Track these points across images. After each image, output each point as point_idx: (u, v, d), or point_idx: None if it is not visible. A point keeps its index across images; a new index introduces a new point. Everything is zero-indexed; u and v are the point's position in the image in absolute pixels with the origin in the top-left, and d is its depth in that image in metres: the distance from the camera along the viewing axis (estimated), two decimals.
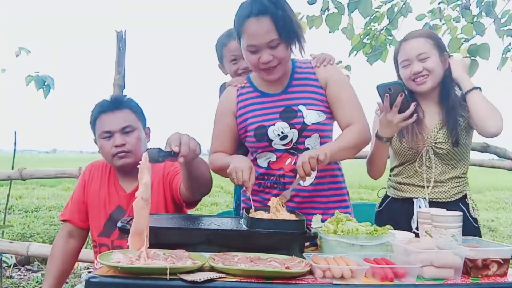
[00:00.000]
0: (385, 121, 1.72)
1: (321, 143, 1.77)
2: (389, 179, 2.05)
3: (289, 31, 1.66)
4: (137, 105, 1.96)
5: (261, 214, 1.51)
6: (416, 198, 1.91)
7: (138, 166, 1.35)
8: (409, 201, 1.93)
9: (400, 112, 1.67)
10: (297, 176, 1.60)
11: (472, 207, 1.92)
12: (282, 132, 1.74)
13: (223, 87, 2.16)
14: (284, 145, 1.75)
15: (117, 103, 1.92)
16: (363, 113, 1.79)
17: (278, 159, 1.77)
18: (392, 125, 1.71)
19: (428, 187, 1.90)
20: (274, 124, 1.75)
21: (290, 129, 1.74)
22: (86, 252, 2.89)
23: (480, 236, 1.91)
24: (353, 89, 1.81)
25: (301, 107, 1.75)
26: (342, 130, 1.77)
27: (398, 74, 1.97)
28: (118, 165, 1.89)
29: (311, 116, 1.74)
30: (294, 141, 1.74)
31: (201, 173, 1.66)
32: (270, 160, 1.79)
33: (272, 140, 1.75)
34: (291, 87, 1.80)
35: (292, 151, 1.76)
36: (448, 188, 1.90)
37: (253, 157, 1.84)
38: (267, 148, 1.77)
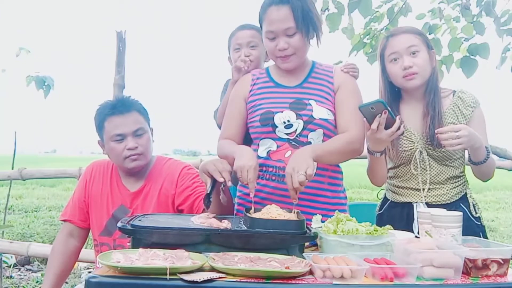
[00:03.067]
0: (373, 138, 1.70)
1: (323, 141, 1.78)
2: (387, 181, 2.03)
3: (306, 21, 1.75)
4: (142, 106, 1.97)
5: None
6: (416, 202, 1.89)
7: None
8: (408, 206, 1.91)
9: (386, 127, 1.65)
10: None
11: (474, 206, 1.91)
12: (288, 121, 1.77)
13: (228, 82, 2.20)
14: (287, 134, 1.77)
15: (126, 106, 1.91)
16: (361, 125, 1.79)
17: (279, 148, 1.78)
18: (381, 141, 1.69)
19: (424, 189, 1.89)
20: (282, 112, 1.78)
21: (297, 119, 1.77)
22: (86, 252, 2.89)
23: (486, 235, 1.90)
24: (361, 102, 1.82)
25: (311, 102, 1.79)
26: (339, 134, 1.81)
27: (383, 72, 1.92)
28: (130, 167, 1.90)
29: (320, 111, 1.78)
30: (298, 132, 1.77)
31: (230, 199, 1.77)
32: (270, 150, 1.79)
33: (276, 127, 1.77)
34: (306, 83, 1.85)
35: (293, 142, 1.77)
36: (447, 190, 1.88)
37: (256, 145, 1.84)
38: (269, 134, 1.79)
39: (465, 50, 3.69)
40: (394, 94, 1.94)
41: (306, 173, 1.55)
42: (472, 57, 3.62)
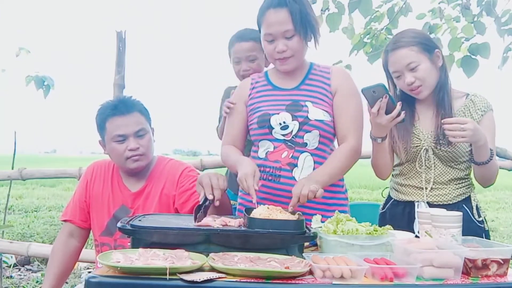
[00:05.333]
0: (374, 123, 1.73)
1: (320, 142, 1.79)
2: (391, 179, 2.04)
3: (304, 23, 1.76)
4: (144, 106, 1.97)
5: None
6: (418, 201, 1.89)
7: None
8: (410, 205, 1.91)
9: (387, 112, 1.67)
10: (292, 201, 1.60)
11: (477, 209, 1.89)
12: (284, 122, 1.78)
13: (228, 90, 2.22)
14: (283, 135, 1.78)
15: (127, 106, 1.92)
16: (361, 130, 1.82)
17: (276, 149, 1.79)
18: (381, 126, 1.72)
19: (426, 188, 1.89)
20: (278, 114, 1.79)
21: (292, 120, 1.77)
22: (86, 252, 2.89)
23: (489, 239, 1.89)
24: (361, 104, 1.83)
25: (308, 103, 1.80)
26: (338, 139, 1.83)
27: (390, 82, 1.94)
28: (131, 168, 1.90)
29: (315, 112, 1.78)
30: (294, 133, 1.78)
31: (227, 202, 1.80)
32: (268, 151, 1.81)
33: (273, 128, 1.79)
34: (303, 85, 1.86)
35: (289, 143, 1.78)
36: (450, 190, 1.88)
37: (256, 147, 1.87)
38: (266, 136, 1.81)
39: (466, 49, 3.69)
40: (408, 96, 1.92)
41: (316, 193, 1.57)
42: (473, 56, 3.62)
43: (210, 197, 1.56)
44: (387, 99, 1.64)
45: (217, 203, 1.57)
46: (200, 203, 1.57)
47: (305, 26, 1.76)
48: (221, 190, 1.59)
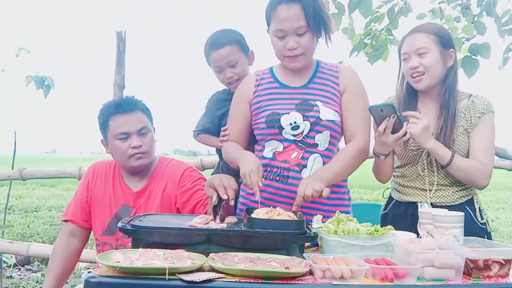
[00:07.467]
0: (379, 141, 1.72)
1: (330, 143, 1.78)
2: (392, 180, 2.02)
3: (317, 20, 1.72)
4: (146, 106, 1.98)
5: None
6: (421, 202, 1.88)
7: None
8: (413, 205, 1.90)
9: (393, 131, 1.66)
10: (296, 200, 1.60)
11: (480, 211, 1.89)
12: (295, 122, 1.75)
13: (215, 96, 2.17)
14: (294, 135, 1.76)
15: (130, 105, 1.93)
16: (368, 129, 1.80)
17: (285, 149, 1.77)
18: (386, 144, 1.71)
19: (431, 190, 1.88)
20: (288, 113, 1.76)
21: (303, 120, 1.75)
22: (86, 252, 2.88)
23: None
24: (368, 103, 1.82)
25: (318, 103, 1.77)
26: (345, 139, 1.82)
27: (400, 68, 1.95)
28: (134, 166, 1.91)
29: (326, 112, 1.76)
30: (305, 133, 1.75)
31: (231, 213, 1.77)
32: (276, 151, 1.78)
33: (283, 128, 1.76)
34: (312, 84, 1.83)
35: (300, 144, 1.75)
36: (452, 192, 1.87)
37: (261, 147, 1.83)
38: (276, 136, 1.77)
39: (466, 50, 3.68)
40: (411, 93, 1.93)
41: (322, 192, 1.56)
42: (473, 57, 3.62)
43: (224, 197, 1.57)
44: (394, 119, 1.63)
45: (231, 203, 1.59)
46: (216, 203, 1.58)
47: (318, 23, 1.72)
48: (233, 190, 1.60)
